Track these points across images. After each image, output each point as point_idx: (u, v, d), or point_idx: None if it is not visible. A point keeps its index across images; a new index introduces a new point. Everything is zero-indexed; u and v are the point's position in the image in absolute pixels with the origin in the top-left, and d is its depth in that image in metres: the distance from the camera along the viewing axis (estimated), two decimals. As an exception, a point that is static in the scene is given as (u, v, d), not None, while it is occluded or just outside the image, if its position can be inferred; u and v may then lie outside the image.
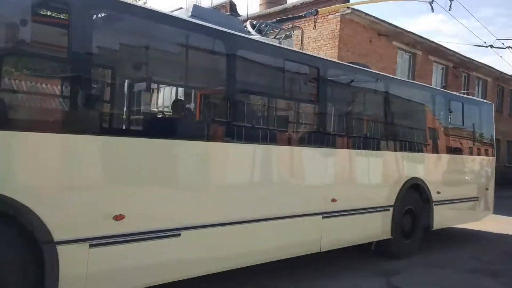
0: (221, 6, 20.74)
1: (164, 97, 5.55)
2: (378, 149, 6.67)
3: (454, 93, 9.35)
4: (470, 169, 8.85)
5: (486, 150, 9.41)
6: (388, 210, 6.80)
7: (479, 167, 9.18)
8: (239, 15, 20.00)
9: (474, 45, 18.34)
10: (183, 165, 4.44)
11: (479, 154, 9.11)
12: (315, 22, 16.92)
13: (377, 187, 6.72)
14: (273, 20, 8.50)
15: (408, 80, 8.50)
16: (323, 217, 5.75)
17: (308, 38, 17.25)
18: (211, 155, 4.64)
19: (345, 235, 6.13)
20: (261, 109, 5.61)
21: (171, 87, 5.54)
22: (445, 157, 8.13)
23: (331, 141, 5.90)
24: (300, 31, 17.52)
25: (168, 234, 4.19)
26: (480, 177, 9.20)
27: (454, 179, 8.41)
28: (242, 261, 4.94)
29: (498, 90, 27.28)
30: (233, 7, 20.98)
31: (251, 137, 5.04)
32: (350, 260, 6.83)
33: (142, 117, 4.72)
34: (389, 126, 6.98)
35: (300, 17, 9.89)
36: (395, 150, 7.00)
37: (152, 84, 5.02)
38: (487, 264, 7.26)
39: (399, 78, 8.30)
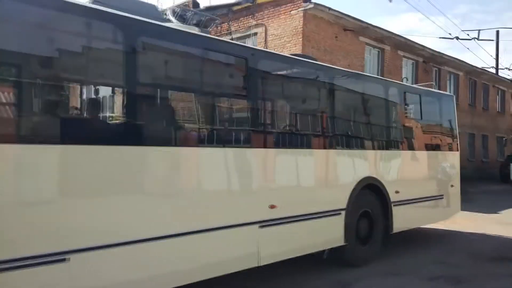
0: (183, 5, 19.97)
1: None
2: (324, 147, 6.00)
3: (410, 85, 8.76)
4: (431, 165, 8.26)
5: (448, 145, 8.85)
6: (339, 214, 6.13)
7: (442, 163, 8.61)
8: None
9: (440, 38, 18.07)
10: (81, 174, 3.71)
11: (441, 149, 8.54)
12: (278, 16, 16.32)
13: (325, 189, 6.04)
14: (202, 7, 7.72)
15: (355, 72, 7.81)
16: (260, 226, 5.05)
17: (271, 35, 16.63)
18: (107, 161, 3.88)
19: (288, 245, 5.43)
20: (177, 107, 4.87)
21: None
22: (402, 153, 7.52)
23: (266, 140, 5.20)
24: (264, 29, 16.90)
25: (53, 259, 3.44)
26: (443, 173, 8.64)
27: (414, 177, 7.80)
28: (160, 285, 4.20)
29: (470, 84, 27.14)
30: (195, 5, 20.21)
31: (165, 139, 4.33)
32: (308, 269, 6.20)
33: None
34: (336, 122, 6.30)
35: (235, 4, 9.17)
36: (344, 148, 6.35)
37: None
38: (451, 268, 6.66)
39: (345, 70, 7.62)
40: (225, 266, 4.78)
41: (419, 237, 8.69)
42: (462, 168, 25.93)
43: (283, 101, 5.88)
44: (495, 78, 29.32)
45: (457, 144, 9.09)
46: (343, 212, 6.17)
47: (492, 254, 7.55)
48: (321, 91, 6.27)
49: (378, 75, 19.08)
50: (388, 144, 7.25)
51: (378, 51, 19.67)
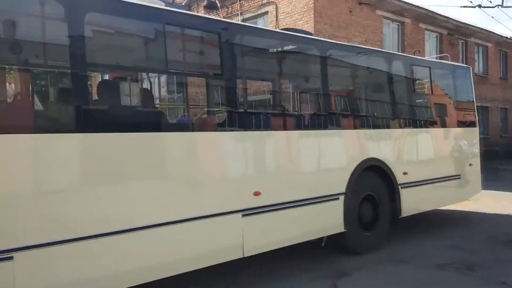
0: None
1: None
2: (315, 127, 5.51)
3: (418, 57, 8.06)
4: (445, 143, 7.60)
5: (466, 121, 8.14)
6: (337, 199, 5.65)
7: (458, 140, 7.91)
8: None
9: (461, 7, 16.76)
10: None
11: (456, 125, 7.84)
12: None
13: (319, 173, 5.54)
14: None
15: (352, 44, 7.21)
16: (244, 215, 4.65)
17: (282, 13, 15.99)
18: (72, 147, 3.56)
19: (277, 234, 5.00)
20: (140, 89, 4.46)
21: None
22: (411, 131, 6.91)
23: (247, 122, 4.75)
24: (274, 7, 16.27)
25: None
26: (460, 151, 7.95)
27: (425, 157, 7.17)
28: (136, 278, 3.90)
29: (501, 56, 25.61)
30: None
31: (136, 124, 3.97)
32: (307, 257, 5.82)
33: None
34: (330, 100, 5.76)
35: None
36: (341, 128, 5.82)
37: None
38: (465, 254, 6.09)
39: (340, 43, 7.00)
40: (206, 258, 4.42)
41: (434, 220, 8.11)
42: (494, 145, 24.92)
43: (266, 79, 5.40)
44: (528, 48, 27.58)
45: (476, 119, 8.36)
46: (341, 197, 5.70)
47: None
48: (312, 66, 5.74)
49: (398, 50, 18.19)
50: (394, 122, 6.65)
51: (398, 25, 18.69)
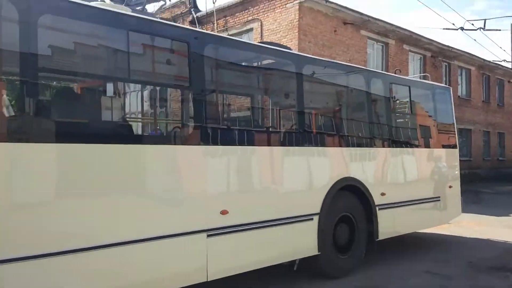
0: (181, 2, 19.43)
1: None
2: (291, 144, 5.29)
3: (398, 75, 7.95)
4: (424, 164, 7.44)
5: (445, 141, 8.02)
6: (311, 219, 5.40)
7: (438, 161, 7.78)
8: (199, 10, 18.80)
9: (443, 29, 17.01)
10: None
11: (436, 146, 7.72)
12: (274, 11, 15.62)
13: (291, 191, 5.27)
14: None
15: (328, 60, 7.01)
16: (209, 235, 4.37)
17: (267, 30, 15.96)
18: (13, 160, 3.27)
19: (244, 257, 4.72)
20: (104, 100, 4.17)
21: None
22: (389, 151, 6.73)
23: (214, 136, 4.51)
24: (259, 24, 16.23)
25: None
26: (440, 173, 7.80)
27: (404, 177, 7.00)
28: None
29: (483, 80, 25.97)
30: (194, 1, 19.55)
31: (80, 134, 3.69)
32: (279, 281, 5.52)
33: None
34: (304, 116, 5.55)
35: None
36: (315, 145, 5.60)
37: None
38: (443, 280, 5.85)
39: (316, 57, 6.83)
40: (164, 283, 4.12)
41: (414, 243, 7.89)
42: (476, 167, 24.99)
43: (239, 93, 5.19)
44: (511, 72, 28.03)
45: (456, 140, 8.25)
46: (315, 217, 5.45)
47: (493, 263, 6.72)
48: (285, 80, 5.55)
49: (382, 70, 18.27)
50: (371, 141, 6.47)
51: (382, 46, 18.81)
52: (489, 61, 24.80)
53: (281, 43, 15.28)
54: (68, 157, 3.50)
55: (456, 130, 8.26)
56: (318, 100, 6.00)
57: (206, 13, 18.03)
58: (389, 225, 6.53)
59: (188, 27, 4.96)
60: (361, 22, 17.02)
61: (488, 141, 26.30)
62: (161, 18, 5.07)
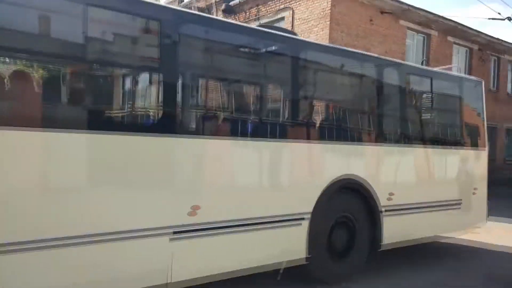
0: None
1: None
2: (276, 137, 4.83)
3: (417, 65, 7.22)
4: (445, 164, 6.77)
5: (472, 140, 7.26)
6: (301, 220, 4.97)
7: (462, 161, 7.06)
8: None
9: (489, 19, 15.68)
10: None
11: (459, 145, 6.99)
12: None
13: (276, 189, 4.84)
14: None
15: (333, 46, 6.41)
16: (172, 239, 3.99)
17: (298, 19, 15.39)
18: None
19: (215, 260, 4.31)
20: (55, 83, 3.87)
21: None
22: (401, 149, 6.12)
23: (187, 125, 4.15)
24: (291, 12, 15.68)
25: None
26: (463, 174, 7.08)
27: (418, 178, 6.36)
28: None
29: (537, 76, 24.00)
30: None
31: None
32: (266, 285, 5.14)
33: None
34: (298, 106, 5.06)
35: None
36: (311, 139, 5.11)
37: None
38: (452, 293, 5.30)
39: (316, 42, 6.26)
40: (123, 283, 3.83)
41: (430, 250, 7.23)
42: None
43: (217, 77, 4.78)
44: None
45: (485, 140, 7.45)
46: (306, 218, 5.00)
47: (515, 278, 6.03)
48: (275, 65, 5.08)
49: (423, 64, 17.22)
50: (381, 136, 5.89)
51: (424, 37, 17.72)
52: (545, 56, 22.85)
53: (312, 33, 14.76)
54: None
55: (485, 129, 7.46)
56: (316, 89, 5.47)
57: (239, 1, 17.73)
58: (397, 231, 5.97)
59: (159, 3, 4.51)
60: (400, 11, 16.06)
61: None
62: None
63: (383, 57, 6.52)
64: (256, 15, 17.17)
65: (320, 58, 5.40)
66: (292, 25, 15.53)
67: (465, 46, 19.45)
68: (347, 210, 5.53)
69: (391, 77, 6.05)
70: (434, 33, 17.74)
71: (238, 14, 17.84)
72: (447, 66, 8.05)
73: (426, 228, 6.42)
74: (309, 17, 14.98)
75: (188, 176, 4.19)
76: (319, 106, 5.66)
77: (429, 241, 6.66)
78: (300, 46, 5.17)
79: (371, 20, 15.42)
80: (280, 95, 5.14)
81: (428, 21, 17.19)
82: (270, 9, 16.56)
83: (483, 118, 7.43)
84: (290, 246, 4.89)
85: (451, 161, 6.86)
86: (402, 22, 16.44)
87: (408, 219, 6.08)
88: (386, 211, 5.81)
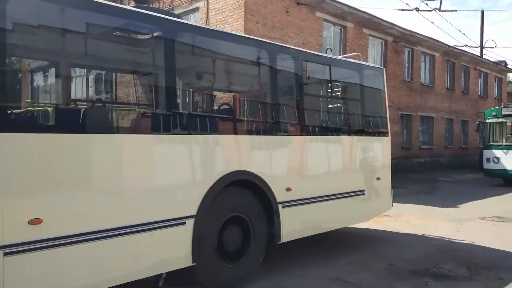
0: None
1: None
2: (143, 131, 4.29)
3: (314, 52, 7.00)
4: (345, 153, 6.60)
5: (373, 128, 7.19)
6: (183, 224, 4.45)
7: (364, 150, 6.94)
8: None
9: (398, 10, 16.28)
10: None
11: (360, 134, 6.86)
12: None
13: (151, 190, 4.26)
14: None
15: (224, 31, 5.95)
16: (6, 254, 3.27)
17: (213, 10, 14.89)
18: None
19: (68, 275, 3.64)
20: None
21: None
22: (299, 139, 5.84)
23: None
24: (205, 2, 15.13)
25: None
26: (365, 163, 6.97)
27: (318, 169, 6.13)
28: None
29: (448, 66, 25.41)
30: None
31: None
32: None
33: None
34: (177, 95, 4.56)
35: None
36: (190, 132, 4.62)
37: None
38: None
39: (207, 27, 5.79)
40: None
41: (332, 241, 7.06)
42: (438, 155, 24.52)
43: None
44: (477, 60, 27.59)
45: (388, 127, 7.40)
46: (190, 221, 4.50)
47: (416, 265, 5.97)
48: (140, 47, 4.50)
49: (340, 55, 17.39)
50: (275, 126, 5.54)
51: (340, 29, 17.94)
52: (454, 47, 24.24)
53: (227, 23, 14.31)
54: None
55: (388, 116, 7.42)
56: (199, 76, 4.98)
57: (153, -9, 16.89)
58: (296, 225, 5.69)
59: None
60: (316, 3, 16.09)
61: (451, 129, 25.87)
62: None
63: (275, 43, 6.18)
64: (170, 6, 16.43)
65: (201, 42, 4.88)
66: (207, 16, 15.01)
67: (380, 38, 20.00)
68: (240, 209, 5.12)
69: (286, 64, 5.71)
70: (350, 25, 18.02)
71: (151, 4, 16.96)
72: (351, 54, 7.88)
73: (328, 219, 6.23)
74: (223, 7, 14.53)
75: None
76: (203, 95, 5.16)
77: (331, 229, 6.46)
78: (176, 29, 4.62)
79: (287, 11, 15.28)
80: (152, 82, 4.55)
81: (344, 13, 17.40)
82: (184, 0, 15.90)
83: (385, 105, 7.36)
84: (170, 254, 4.38)
85: (352, 150, 6.71)
86: (318, 13, 16.48)
87: (309, 212, 5.83)
88: (283, 206, 5.49)
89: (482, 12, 31.49)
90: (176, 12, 16.03)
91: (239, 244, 5.15)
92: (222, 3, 14.55)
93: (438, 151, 24.13)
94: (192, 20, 15.45)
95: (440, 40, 23.05)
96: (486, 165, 17.19)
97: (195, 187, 4.60)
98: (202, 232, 4.61)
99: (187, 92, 4.70)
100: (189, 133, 4.61)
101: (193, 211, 4.54)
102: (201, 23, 14.62)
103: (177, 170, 4.46)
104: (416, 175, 19.96)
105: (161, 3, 16.69)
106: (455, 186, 16.81)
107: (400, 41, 20.88)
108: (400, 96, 21.19)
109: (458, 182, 18.34)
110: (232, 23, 14.19)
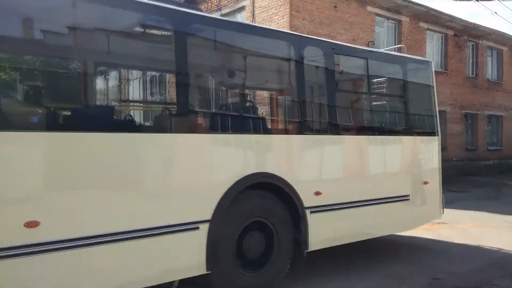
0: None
1: None
2: (160, 130, 4.05)
3: (349, 45, 6.40)
4: (387, 154, 5.96)
5: (421, 127, 6.50)
6: (197, 228, 4.17)
7: (407, 151, 6.29)
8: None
9: (455, 0, 14.94)
10: None
11: (404, 133, 6.21)
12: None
13: (160, 192, 3.99)
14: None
15: (239, 21, 5.49)
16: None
17: (259, 7, 14.61)
18: None
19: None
20: None
21: None
22: (331, 138, 5.32)
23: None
24: (251, 1, 14.88)
25: None
26: (410, 165, 6.32)
27: (353, 172, 5.59)
28: None
29: (518, 61, 23.32)
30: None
31: None
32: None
33: None
34: (190, 91, 4.25)
35: None
36: (201, 131, 4.31)
37: None
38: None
39: (212, 16, 5.36)
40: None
41: (378, 249, 6.49)
42: (508, 157, 22.53)
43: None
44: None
45: (437, 126, 6.67)
46: (204, 226, 4.20)
47: (465, 281, 5.27)
48: (169, 44, 4.20)
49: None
50: (303, 125, 5.07)
51: (394, 23, 16.98)
52: (525, 40, 22.17)
53: (273, 21, 13.96)
54: None
55: (437, 114, 6.68)
56: (210, 70, 4.65)
57: (202, -8, 16.92)
58: (327, 232, 5.21)
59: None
60: (367, -4, 15.31)
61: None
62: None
63: (300, 34, 5.72)
64: (217, 5, 16.38)
65: (208, 33, 4.53)
66: (253, 14, 14.76)
67: (439, 32, 18.74)
68: (262, 214, 4.74)
69: (314, 58, 5.25)
70: (405, 19, 17.01)
71: (200, 5, 17.02)
72: (395, 46, 7.24)
73: (364, 228, 5.66)
74: (269, 4, 14.20)
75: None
76: (218, 91, 4.84)
77: (367, 238, 5.86)
78: (181, 19, 4.31)
79: (335, 7, 14.66)
80: (157, 76, 4.31)
81: (398, 7, 16.45)
82: (231, -1, 15.76)
83: (434, 101, 6.65)
84: (181, 261, 4.10)
85: (393, 151, 6.09)
86: (369, 8, 15.68)
87: (341, 218, 5.33)
88: (312, 212, 5.04)
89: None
90: (223, 11, 16.00)
91: (261, 251, 4.79)
92: (267, 1, 14.23)
93: (508, 152, 22.20)
94: (239, 19, 15.27)
95: (507, 33, 21.21)
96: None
97: (210, 190, 4.28)
98: (218, 238, 4.29)
99: (197, 87, 4.39)
100: (206, 132, 4.31)
101: (208, 216, 4.24)
102: (247, 22, 14.40)
103: (189, 172, 4.17)
104: (482, 178, 18.44)
105: (209, 4, 16.68)
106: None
107: (462, 34, 19.45)
108: (463, 93, 19.73)
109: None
110: (278, 21, 13.82)
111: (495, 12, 25.74)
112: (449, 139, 19.02)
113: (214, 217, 4.26)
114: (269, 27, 5.42)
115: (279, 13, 13.86)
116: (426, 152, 6.53)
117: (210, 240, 4.23)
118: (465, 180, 17.32)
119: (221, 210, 4.30)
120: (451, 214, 10.00)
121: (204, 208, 4.22)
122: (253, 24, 4.85)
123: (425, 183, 6.43)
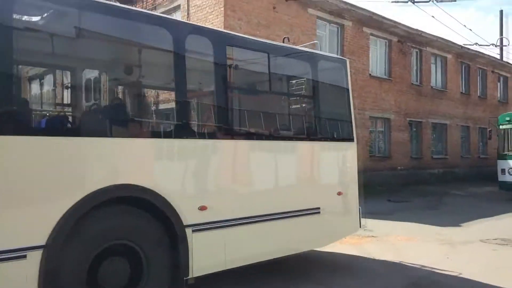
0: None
1: None
2: None
3: (247, 36, 5.66)
4: (287, 163, 5.26)
5: (333, 132, 5.87)
6: (23, 257, 3.29)
7: (317, 158, 5.62)
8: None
9: (392, 2, 14.83)
10: None
11: (313, 138, 5.53)
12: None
13: None
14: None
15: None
16: None
17: (194, 6, 13.84)
18: None
19: None
20: None
21: None
22: (221, 143, 4.54)
23: None
24: (186, 0, 14.08)
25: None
26: (321, 174, 5.65)
27: (250, 182, 4.84)
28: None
29: (462, 69, 23.67)
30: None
31: None
32: None
33: None
34: (21, 88, 3.41)
35: None
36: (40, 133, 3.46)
37: None
38: None
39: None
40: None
41: (281, 268, 5.74)
42: (453, 166, 22.57)
43: None
44: (495, 62, 25.72)
45: (352, 131, 6.03)
46: (35, 254, 3.32)
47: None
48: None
49: (338, 55, 16.09)
50: (183, 127, 4.29)
51: (337, 28, 16.61)
52: (468, 48, 22.48)
53: (208, 20, 13.19)
54: None
55: (353, 118, 6.05)
56: (59, 59, 3.80)
57: (137, -9, 15.99)
58: (215, 254, 4.42)
59: None
60: (307, -1, 14.84)
61: (467, 137, 24.02)
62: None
63: (180, 20, 4.96)
64: (152, 4, 15.48)
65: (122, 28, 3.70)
66: (188, 13, 13.96)
67: (383, 38, 18.57)
68: (124, 235, 3.90)
69: (199, 48, 4.47)
70: (347, 23, 16.68)
71: (135, 4, 16.06)
72: (309, 43, 6.61)
73: (262, 248, 4.90)
74: (203, 3, 13.46)
75: None
76: (61, 85, 3.98)
77: (266, 259, 5.07)
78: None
79: (274, 8, 14.08)
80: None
81: (340, 10, 16.10)
82: (166, -3, 14.90)
83: (350, 104, 6.03)
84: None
85: (300, 159, 5.39)
86: (310, 10, 15.23)
87: (232, 239, 4.54)
88: (195, 231, 4.25)
89: (501, 12, 29.65)
90: (158, 10, 15.09)
91: (126, 280, 3.94)
92: (202, 0, 13.47)
93: (453, 161, 22.30)
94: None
95: (451, 40, 21.41)
96: (501, 177, 15.49)
97: (44, 208, 3.40)
98: (58, 267, 3.42)
99: (38, 85, 3.52)
100: (35, 134, 3.44)
101: (40, 241, 3.35)
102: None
103: (14, 186, 3.28)
104: (427, 187, 18.28)
105: (144, 3, 15.75)
106: (466, 200, 15.08)
107: (406, 41, 19.38)
108: (408, 101, 19.64)
109: (471, 195, 16.56)
110: (212, 20, 13.08)
111: (433, 16, 25.77)
112: (394, 148, 18.84)
113: (50, 242, 3.38)
114: (136, 9, 4.55)
115: (213, 12, 13.13)
116: (341, 159, 5.89)
117: (44, 271, 3.34)
118: (410, 189, 17.08)
119: (61, 233, 3.43)
120: (384, 226, 9.49)
121: (35, 231, 3.34)
122: (117, 4, 3.94)
123: (339, 193, 5.77)
